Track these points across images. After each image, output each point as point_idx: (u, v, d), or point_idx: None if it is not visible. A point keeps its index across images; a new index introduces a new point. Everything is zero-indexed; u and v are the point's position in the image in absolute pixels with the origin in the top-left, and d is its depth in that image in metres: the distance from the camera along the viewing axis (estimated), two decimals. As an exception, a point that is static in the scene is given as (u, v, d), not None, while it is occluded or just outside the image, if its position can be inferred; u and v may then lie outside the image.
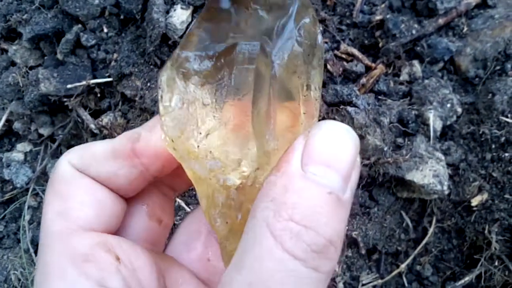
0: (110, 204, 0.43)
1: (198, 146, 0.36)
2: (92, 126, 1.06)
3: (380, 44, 0.90)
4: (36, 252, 1.12)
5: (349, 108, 0.83)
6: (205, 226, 0.50)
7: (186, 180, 0.40)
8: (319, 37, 0.38)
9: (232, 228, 0.38)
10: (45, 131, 1.15)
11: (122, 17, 0.99)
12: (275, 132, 0.36)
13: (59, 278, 0.37)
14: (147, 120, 1.03)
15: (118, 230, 0.45)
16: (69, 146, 1.17)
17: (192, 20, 0.94)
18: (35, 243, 1.14)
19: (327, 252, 0.32)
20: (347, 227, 0.91)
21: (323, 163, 0.33)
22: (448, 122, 0.88)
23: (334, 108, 0.86)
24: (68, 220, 0.40)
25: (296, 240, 0.31)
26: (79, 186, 0.42)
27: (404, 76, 0.91)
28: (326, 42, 0.92)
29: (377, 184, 0.89)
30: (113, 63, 1.01)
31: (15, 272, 1.12)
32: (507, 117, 0.86)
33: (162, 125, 0.37)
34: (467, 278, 0.92)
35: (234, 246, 0.38)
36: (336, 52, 0.92)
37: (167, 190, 0.50)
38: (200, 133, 0.36)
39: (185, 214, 0.98)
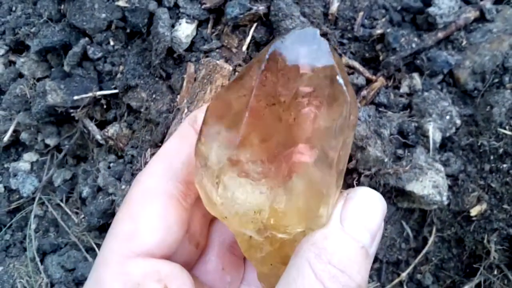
0: (176, 230, 0.45)
1: (252, 222, 0.41)
2: (98, 136, 1.08)
3: (381, 57, 0.92)
4: (42, 261, 1.14)
5: (351, 120, 0.85)
6: (218, 239, 0.53)
7: None
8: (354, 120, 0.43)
9: (273, 268, 0.44)
10: (51, 142, 1.17)
11: (128, 30, 1.01)
12: (331, 200, 0.41)
13: None
14: (152, 131, 1.06)
15: None
16: (75, 156, 1.19)
17: (197, 34, 0.96)
18: (41, 252, 1.15)
19: None
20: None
21: (358, 222, 0.40)
22: (448, 134, 0.90)
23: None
24: (133, 243, 0.42)
25: (334, 280, 0.37)
26: (154, 208, 0.44)
27: (404, 89, 0.93)
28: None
29: (378, 194, 0.90)
30: (119, 75, 1.03)
31: (21, 280, 1.13)
32: (505, 129, 0.88)
33: (215, 202, 0.41)
34: (466, 287, 0.93)
35: (273, 282, 0.43)
36: (337, 65, 0.93)
37: (207, 212, 0.52)
38: (254, 212, 0.40)
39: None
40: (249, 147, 0.39)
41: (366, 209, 0.41)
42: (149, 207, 0.44)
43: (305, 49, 0.39)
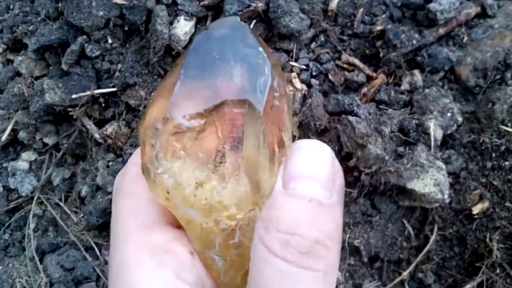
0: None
1: (195, 195, 0.40)
2: (97, 135, 1.07)
3: (381, 54, 0.91)
4: (41, 260, 1.13)
5: (351, 118, 0.84)
6: None
7: None
8: (286, 87, 0.44)
9: (231, 264, 0.42)
10: (50, 140, 1.16)
11: (126, 28, 1.00)
12: (267, 174, 0.40)
13: (138, 268, 0.39)
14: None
15: None
16: (74, 155, 1.18)
17: (195, 31, 0.95)
18: (39, 251, 1.15)
19: (316, 251, 0.35)
20: (348, 235, 0.91)
21: (300, 177, 0.37)
22: (449, 131, 0.89)
23: (335, 117, 0.87)
24: (142, 216, 0.42)
25: (284, 246, 0.35)
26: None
27: (405, 86, 0.92)
28: (327, 53, 0.93)
29: (379, 192, 0.89)
30: (117, 73, 1.02)
31: (20, 280, 1.12)
32: (507, 126, 0.87)
33: (154, 180, 0.40)
34: (469, 286, 0.92)
35: (231, 277, 0.42)
36: (337, 62, 0.93)
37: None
38: (196, 183, 0.39)
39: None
40: (183, 109, 0.40)
41: (305, 160, 0.38)
42: (143, 186, 0.44)
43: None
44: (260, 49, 0.42)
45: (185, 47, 0.96)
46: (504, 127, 0.87)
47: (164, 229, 0.42)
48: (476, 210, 0.89)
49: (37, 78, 1.11)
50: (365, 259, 0.94)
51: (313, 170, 0.38)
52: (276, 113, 0.41)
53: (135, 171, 0.44)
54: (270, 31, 0.93)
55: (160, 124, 0.40)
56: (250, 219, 0.40)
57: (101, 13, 0.99)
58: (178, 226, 0.44)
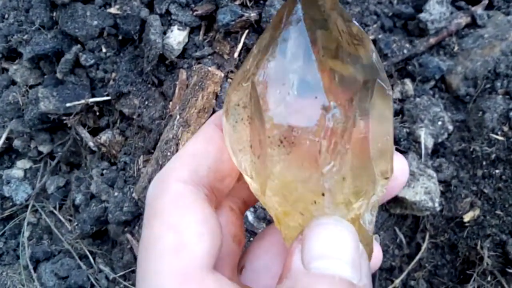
0: (219, 233, 0.37)
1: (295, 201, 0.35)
2: (91, 143, 1.08)
3: (373, 63, 0.92)
4: (35, 269, 1.13)
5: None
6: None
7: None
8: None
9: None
10: (44, 149, 1.16)
11: (120, 37, 1.01)
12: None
13: None
14: (144, 138, 1.05)
15: None
16: (68, 163, 1.18)
17: (188, 41, 0.96)
18: (34, 259, 1.15)
19: None
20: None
21: (323, 256, 0.32)
22: (440, 140, 0.90)
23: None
24: (184, 259, 0.35)
25: None
26: (193, 216, 0.37)
27: (396, 95, 0.93)
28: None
29: (371, 200, 0.90)
30: (111, 82, 1.03)
31: (14, 288, 1.12)
32: (497, 134, 0.87)
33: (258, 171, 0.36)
34: (460, 293, 0.93)
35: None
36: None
37: (234, 204, 0.45)
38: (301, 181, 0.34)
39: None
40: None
41: (327, 238, 0.33)
42: (188, 215, 0.37)
43: None
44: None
45: (179, 57, 0.96)
46: (495, 136, 0.88)
47: (207, 281, 0.35)
48: (467, 218, 0.89)
49: (31, 86, 1.12)
50: (358, 267, 0.95)
51: (336, 247, 0.32)
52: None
53: (178, 190, 0.38)
54: (263, 40, 0.93)
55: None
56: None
57: (95, 22, 1.00)
58: (230, 272, 0.39)
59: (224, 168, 0.40)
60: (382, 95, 0.34)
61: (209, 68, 0.91)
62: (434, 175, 0.86)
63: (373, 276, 0.98)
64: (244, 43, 0.93)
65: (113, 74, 1.03)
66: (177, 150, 0.91)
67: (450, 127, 0.90)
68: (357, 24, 0.35)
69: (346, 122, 0.33)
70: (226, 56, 0.95)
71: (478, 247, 0.89)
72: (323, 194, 0.34)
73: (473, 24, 0.94)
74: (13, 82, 1.15)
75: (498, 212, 0.88)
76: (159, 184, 0.39)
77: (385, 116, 0.35)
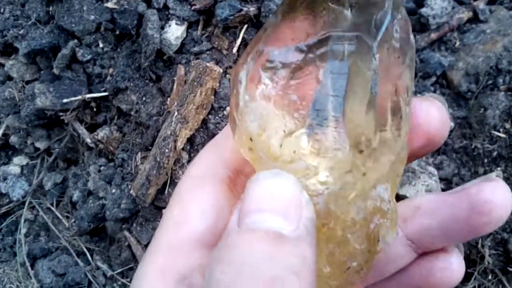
0: (227, 215, 0.37)
1: (281, 145, 0.33)
2: (88, 140, 1.07)
3: (373, 59, 0.91)
4: (32, 266, 1.12)
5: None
6: None
7: None
8: (411, 36, 0.34)
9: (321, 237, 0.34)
10: (41, 145, 1.15)
11: (117, 32, 0.99)
12: (372, 130, 0.32)
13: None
14: (142, 134, 1.04)
15: None
16: (66, 160, 1.17)
17: (186, 36, 0.95)
18: (31, 256, 1.14)
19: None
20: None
21: (255, 210, 0.31)
22: (441, 137, 0.89)
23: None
24: (181, 230, 0.37)
25: None
26: (204, 193, 0.38)
27: (397, 91, 0.92)
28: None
29: (371, 198, 0.89)
30: (108, 77, 1.02)
31: (11, 285, 1.12)
32: (499, 131, 0.86)
33: (237, 124, 0.34)
34: (461, 292, 0.92)
35: None
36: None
37: None
38: (284, 131, 0.32)
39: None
40: (279, 43, 0.33)
41: (262, 192, 0.31)
42: (199, 192, 0.38)
43: None
44: None
45: (177, 52, 0.95)
46: (496, 133, 0.87)
47: (195, 254, 0.36)
48: (468, 215, 0.88)
49: (28, 82, 1.11)
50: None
51: (272, 201, 0.31)
52: (395, 65, 0.32)
53: (198, 172, 0.39)
54: (262, 35, 0.92)
55: (251, 58, 0.33)
56: (345, 185, 0.32)
57: (92, 17, 0.99)
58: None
59: None
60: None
61: (208, 64, 0.90)
62: (435, 172, 0.85)
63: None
64: (243, 38, 0.92)
65: (110, 70, 1.02)
66: (175, 147, 0.90)
67: (452, 124, 0.89)
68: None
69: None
70: (224, 52, 0.94)
71: (479, 246, 0.88)
72: None
73: (475, 19, 0.93)
74: (9, 78, 1.14)
75: (499, 210, 0.87)
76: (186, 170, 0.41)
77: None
